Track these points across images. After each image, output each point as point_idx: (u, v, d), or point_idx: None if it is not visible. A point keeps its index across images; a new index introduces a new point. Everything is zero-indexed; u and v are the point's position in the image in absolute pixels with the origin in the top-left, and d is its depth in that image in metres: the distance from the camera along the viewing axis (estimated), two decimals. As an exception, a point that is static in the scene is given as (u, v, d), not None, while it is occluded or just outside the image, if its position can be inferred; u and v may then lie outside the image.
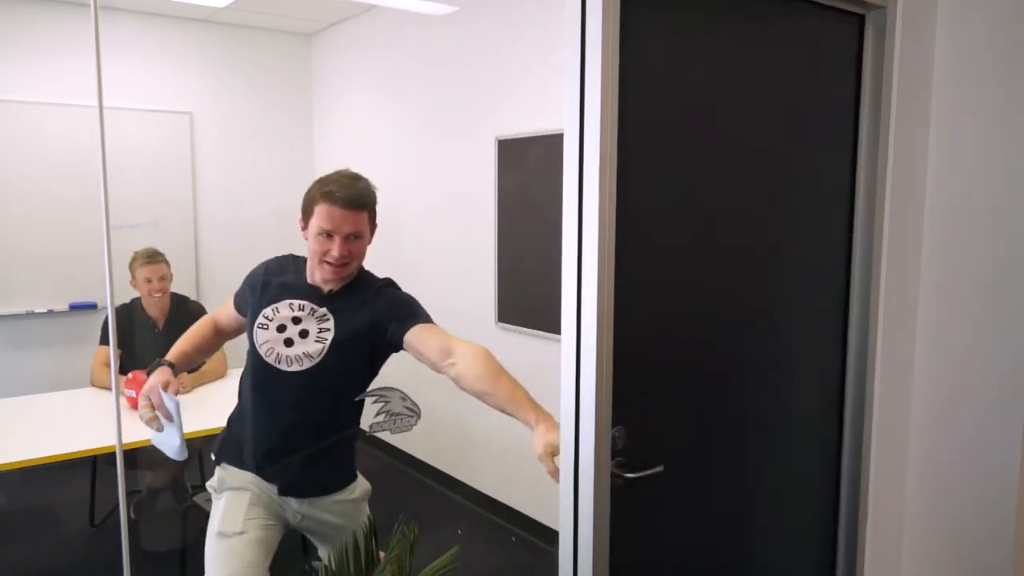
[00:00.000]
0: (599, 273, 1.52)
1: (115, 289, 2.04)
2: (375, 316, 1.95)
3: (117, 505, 2.15)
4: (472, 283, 4.01)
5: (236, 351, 2.35)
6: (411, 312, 1.95)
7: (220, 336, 2.22)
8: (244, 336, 2.07)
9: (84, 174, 4.47)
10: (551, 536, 3.49)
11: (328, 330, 1.94)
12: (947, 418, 2.12)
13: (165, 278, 3.49)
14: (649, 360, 1.70)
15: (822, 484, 2.15)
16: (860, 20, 2.01)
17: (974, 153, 2.01)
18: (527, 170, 3.58)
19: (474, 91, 3.94)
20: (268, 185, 5.20)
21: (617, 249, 1.55)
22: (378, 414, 1.83)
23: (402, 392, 1.81)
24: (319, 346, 1.93)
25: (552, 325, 3.41)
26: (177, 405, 1.90)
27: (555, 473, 1.56)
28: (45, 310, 4.58)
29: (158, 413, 1.89)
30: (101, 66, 1.94)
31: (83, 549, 3.55)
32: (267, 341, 1.95)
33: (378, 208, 2.03)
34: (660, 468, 1.69)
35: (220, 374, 3.55)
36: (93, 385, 3.48)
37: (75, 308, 4.64)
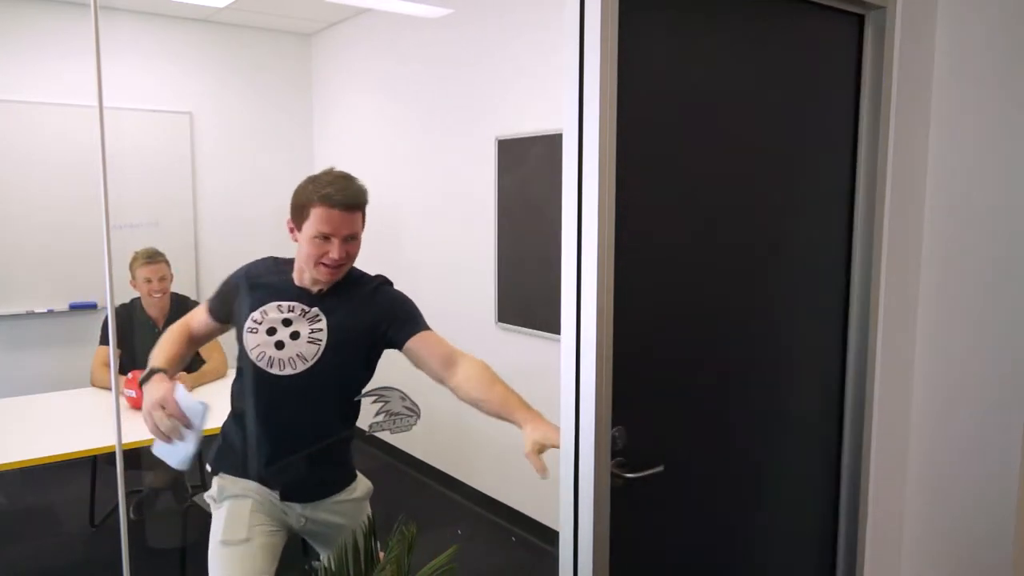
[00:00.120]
0: (599, 273, 1.52)
1: (115, 289, 2.04)
2: (374, 315, 1.95)
3: (117, 505, 2.15)
4: (472, 283, 4.01)
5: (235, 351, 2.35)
6: (412, 316, 1.96)
7: (192, 344, 2.09)
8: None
9: (84, 174, 4.47)
10: (551, 536, 3.49)
11: (321, 330, 1.92)
12: (947, 418, 2.12)
13: (165, 278, 3.49)
14: (649, 360, 1.70)
15: (822, 484, 2.15)
16: (860, 20, 2.01)
17: (974, 153, 2.01)
18: (527, 170, 3.58)
19: (474, 91, 3.94)
20: (268, 185, 5.20)
21: (617, 249, 1.55)
22: (378, 414, 1.83)
23: (402, 392, 1.81)
24: (313, 348, 1.90)
25: (552, 325, 3.41)
26: (205, 409, 1.76)
27: (542, 469, 1.59)
28: (45, 310, 4.58)
29: (178, 423, 1.74)
30: (101, 66, 1.94)
31: (83, 549, 3.55)
32: (258, 345, 1.92)
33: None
34: (660, 468, 1.69)
35: (220, 374, 3.55)
36: (93, 385, 3.48)
37: (75, 308, 4.64)
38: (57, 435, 2.93)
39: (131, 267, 3.48)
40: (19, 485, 4.13)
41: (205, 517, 2.05)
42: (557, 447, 1.60)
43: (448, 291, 4.18)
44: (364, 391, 1.93)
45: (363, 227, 1.97)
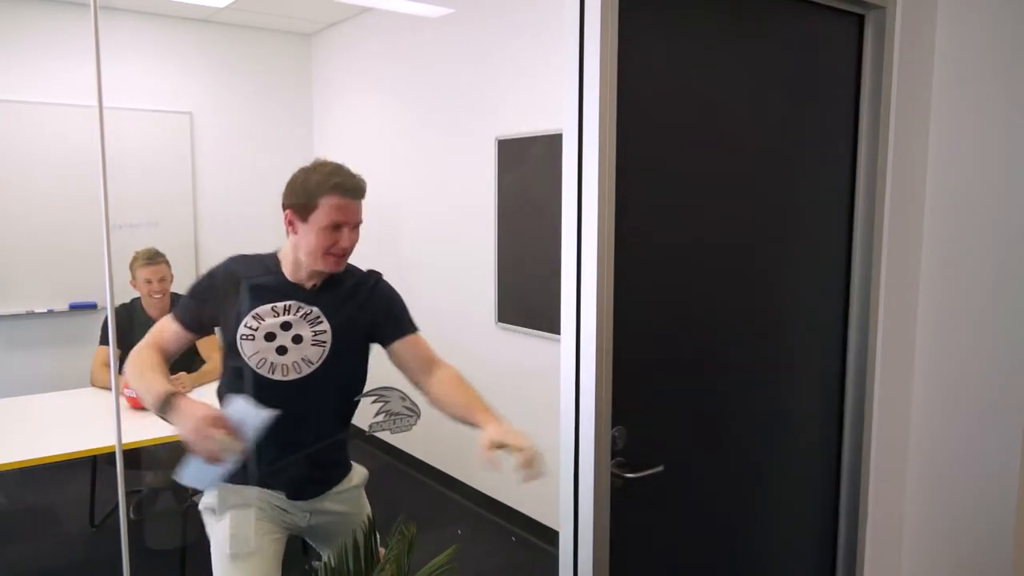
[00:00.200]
0: (598, 273, 1.52)
1: (115, 289, 2.03)
2: (373, 313, 1.94)
3: (117, 505, 2.15)
4: (472, 283, 4.01)
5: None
6: (404, 315, 1.98)
7: (168, 361, 1.90)
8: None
9: (84, 174, 4.46)
10: (551, 536, 3.49)
11: (325, 332, 1.88)
12: (947, 418, 2.12)
13: (165, 279, 3.49)
14: (649, 360, 1.70)
15: (822, 484, 2.15)
16: (860, 20, 2.01)
17: (974, 153, 2.01)
18: (527, 170, 3.58)
19: (474, 91, 3.94)
20: (268, 185, 5.18)
21: (616, 249, 1.55)
22: (377, 414, 1.83)
23: (402, 392, 1.81)
24: (318, 351, 1.88)
25: (552, 325, 3.40)
26: (263, 413, 1.64)
27: (493, 464, 1.59)
28: (45, 310, 4.58)
29: (235, 437, 1.61)
30: (101, 66, 1.94)
31: (83, 549, 3.55)
32: (257, 352, 1.85)
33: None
34: (660, 468, 1.69)
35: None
36: (93, 385, 3.48)
37: (75, 308, 4.64)
38: (57, 435, 2.92)
39: (131, 267, 3.48)
40: (19, 485, 4.13)
41: (205, 517, 2.05)
42: (515, 448, 1.58)
43: (448, 291, 4.18)
44: (364, 391, 1.93)
45: None
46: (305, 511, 2.01)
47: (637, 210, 1.61)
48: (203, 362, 3.45)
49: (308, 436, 1.95)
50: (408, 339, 1.94)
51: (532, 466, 1.57)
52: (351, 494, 2.08)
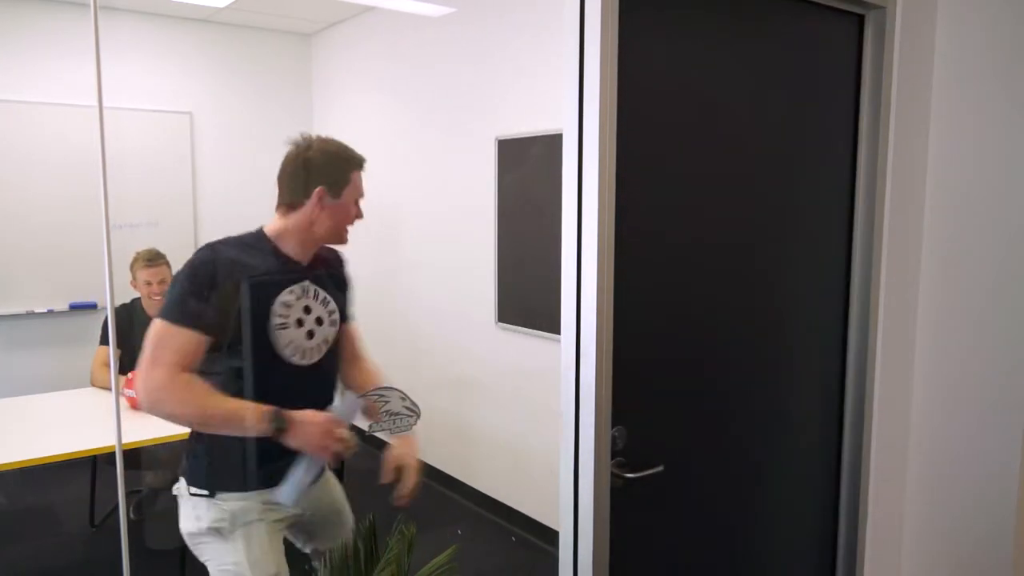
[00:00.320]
0: (598, 273, 1.52)
1: (115, 289, 2.03)
2: (345, 290, 2.01)
3: (117, 505, 2.15)
4: (472, 283, 4.01)
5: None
6: (352, 300, 2.04)
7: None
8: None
9: (84, 174, 4.47)
10: (551, 536, 3.49)
11: (334, 311, 1.90)
12: (947, 418, 2.12)
13: (165, 281, 3.48)
14: (649, 360, 1.70)
15: (822, 484, 2.15)
16: (860, 20, 2.01)
17: (974, 153, 2.01)
18: (527, 170, 3.58)
19: (474, 91, 3.94)
20: (268, 185, 5.18)
21: (616, 249, 1.55)
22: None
23: (401, 392, 1.81)
24: (333, 330, 1.90)
25: (552, 325, 3.40)
26: (355, 402, 1.82)
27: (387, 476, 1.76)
28: (45, 310, 4.58)
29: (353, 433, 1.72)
30: (101, 66, 1.94)
31: (83, 549, 3.55)
32: (291, 342, 1.78)
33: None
34: (660, 468, 1.69)
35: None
36: (93, 385, 3.48)
37: (75, 308, 4.64)
38: (57, 435, 2.92)
39: (132, 268, 3.48)
40: (19, 485, 4.13)
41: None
42: (412, 468, 1.79)
43: (448, 291, 4.18)
44: (365, 391, 1.93)
45: None
46: (306, 498, 1.98)
47: (637, 210, 1.61)
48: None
49: None
50: (352, 324, 2.01)
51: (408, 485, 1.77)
52: (328, 481, 2.11)
